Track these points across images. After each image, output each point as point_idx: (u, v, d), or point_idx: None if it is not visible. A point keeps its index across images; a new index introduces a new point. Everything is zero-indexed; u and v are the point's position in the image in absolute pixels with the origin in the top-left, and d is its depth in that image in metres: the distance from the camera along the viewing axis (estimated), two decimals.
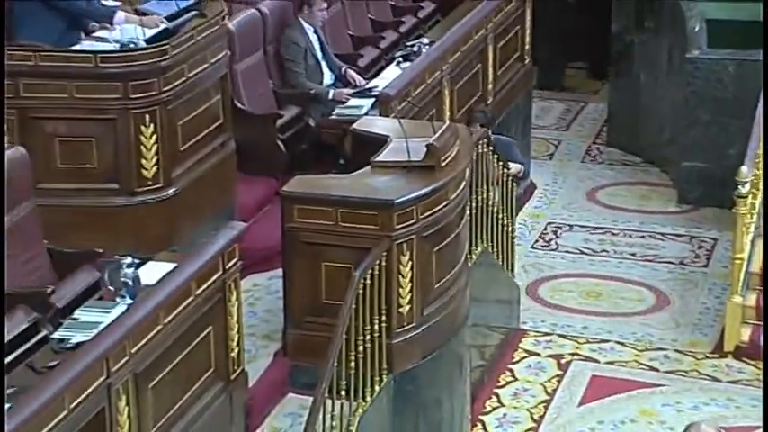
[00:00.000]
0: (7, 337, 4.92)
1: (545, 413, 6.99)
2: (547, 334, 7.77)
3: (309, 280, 5.79)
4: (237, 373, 5.55)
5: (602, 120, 10.80)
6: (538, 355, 7.55)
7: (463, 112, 8.13)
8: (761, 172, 7.64)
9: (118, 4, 7.00)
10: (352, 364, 5.48)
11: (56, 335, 4.98)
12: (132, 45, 6.26)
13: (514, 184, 7.52)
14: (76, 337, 4.86)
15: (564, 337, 7.74)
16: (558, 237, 8.96)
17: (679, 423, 6.53)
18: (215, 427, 5.36)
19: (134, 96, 6.17)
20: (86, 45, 6.38)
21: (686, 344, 7.59)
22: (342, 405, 5.45)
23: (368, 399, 5.63)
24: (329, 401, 5.28)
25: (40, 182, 5.87)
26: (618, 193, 9.62)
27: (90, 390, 4.43)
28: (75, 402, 4.34)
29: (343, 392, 5.43)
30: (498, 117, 8.73)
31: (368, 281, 5.54)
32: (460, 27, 8.19)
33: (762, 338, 7.26)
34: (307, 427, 5.13)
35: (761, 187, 7.67)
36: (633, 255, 8.68)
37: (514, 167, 7.51)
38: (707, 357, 7.43)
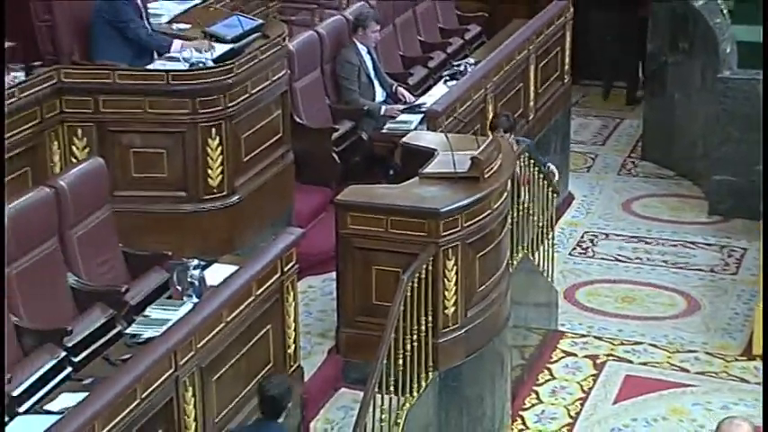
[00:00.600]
0: (85, 332, 5.01)
1: (581, 410, 6.96)
2: (583, 336, 7.73)
3: (361, 282, 5.81)
4: (294, 368, 5.58)
5: (637, 135, 10.72)
6: (575, 355, 7.52)
7: None
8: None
9: (188, 26, 7.08)
10: (401, 361, 5.49)
11: (129, 330, 5.06)
12: (200, 64, 6.30)
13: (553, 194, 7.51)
14: (147, 333, 4.92)
15: (599, 338, 7.69)
16: (594, 245, 8.91)
17: (708, 422, 6.49)
18: None
19: (202, 111, 6.22)
20: (159, 64, 6.42)
21: (716, 347, 7.51)
22: (390, 399, 5.46)
23: (415, 394, 5.63)
24: (379, 396, 5.29)
25: (116, 190, 5.96)
26: (652, 205, 9.54)
27: (159, 381, 4.49)
28: (146, 393, 4.40)
29: (391, 388, 5.45)
30: (539, 132, 8.73)
31: (415, 284, 5.55)
32: (504, 48, 8.17)
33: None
34: (358, 420, 5.14)
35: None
36: (666, 262, 8.61)
37: (553, 167, 7.43)
38: (736, 360, 7.36)
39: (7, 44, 7.42)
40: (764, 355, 7.12)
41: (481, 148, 6.02)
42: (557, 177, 7.27)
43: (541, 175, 7.32)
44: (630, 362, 7.43)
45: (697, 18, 9.51)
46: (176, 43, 6.45)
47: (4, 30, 5.88)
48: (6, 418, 4.44)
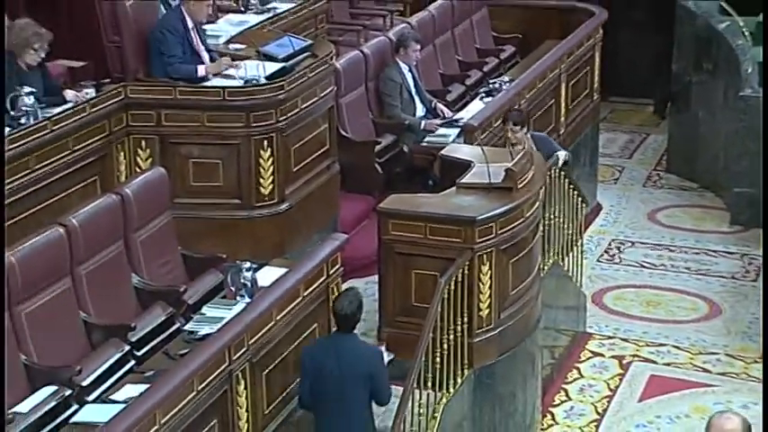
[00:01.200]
0: (147, 329, 5.07)
1: (608, 407, 6.92)
2: (610, 337, 7.69)
3: (401, 285, 5.80)
4: None
5: (662, 149, 10.67)
6: (602, 355, 7.48)
7: None
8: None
9: (243, 46, 7.13)
10: (438, 359, 5.49)
11: (187, 327, 5.10)
12: (254, 81, 6.34)
13: (579, 198, 7.41)
14: (204, 330, 4.95)
15: (625, 340, 7.65)
16: (621, 252, 8.86)
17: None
18: None
19: (255, 125, 6.25)
20: (216, 81, 6.45)
21: (736, 349, 7.45)
22: (428, 395, 5.45)
23: (451, 390, 5.63)
24: (417, 391, 5.29)
25: (176, 197, 6.00)
26: (676, 215, 9.49)
27: (214, 375, 4.53)
28: (203, 385, 4.45)
29: (429, 384, 5.44)
30: (569, 146, 8.69)
31: (452, 287, 5.54)
32: (537, 67, 8.18)
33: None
34: (398, 413, 5.13)
35: None
36: (688, 269, 8.55)
37: (562, 154, 7.13)
38: (755, 362, 7.27)
39: (80, 63, 7.55)
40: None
41: (515, 161, 6.02)
42: (561, 161, 6.96)
43: (572, 186, 7.31)
44: (655, 362, 7.38)
45: (720, 40, 9.47)
46: (201, 69, 6.48)
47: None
48: (76, 406, 4.51)
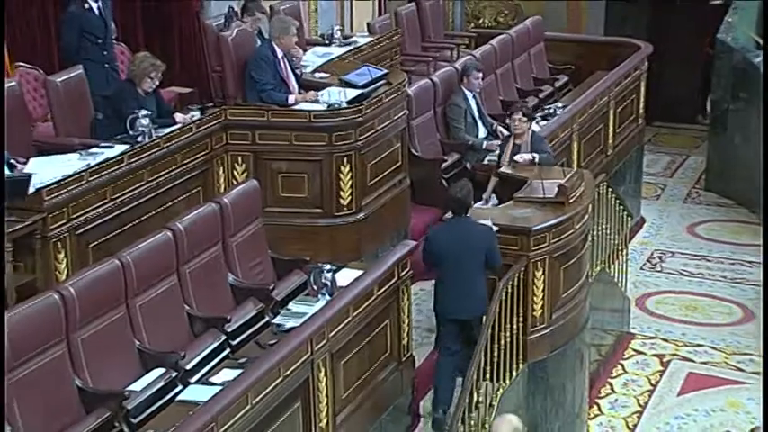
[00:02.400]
0: (241, 321, 5.11)
1: (649, 400, 6.84)
2: (652, 338, 7.59)
3: None
4: (407, 356, 5.60)
5: (701, 169, 10.50)
6: (644, 353, 7.38)
7: (588, 160, 8.04)
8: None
9: (327, 75, 7.19)
10: (496, 353, 5.46)
11: (275, 321, 5.13)
12: (336, 106, 6.37)
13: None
14: (289, 323, 4.98)
15: (666, 340, 7.55)
16: (662, 261, 8.74)
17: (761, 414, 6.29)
18: (389, 397, 5.43)
19: (336, 144, 6.27)
20: (303, 105, 6.49)
21: None
22: (486, 385, 5.44)
23: (507, 381, 5.60)
24: (477, 382, 5.28)
25: (267, 206, 6.03)
26: (713, 228, 9.32)
27: (298, 363, 4.56)
28: (288, 372, 4.48)
29: (488, 375, 5.42)
30: (616, 165, 8.60)
31: (509, 290, 5.52)
32: (588, 95, 8.10)
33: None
34: (459, 401, 5.13)
35: None
36: (725, 277, 8.41)
37: (543, 156, 6.54)
38: None
39: (187, 90, 7.71)
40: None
41: (566, 178, 6.01)
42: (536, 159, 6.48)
43: (618, 201, 7.22)
44: (692, 361, 7.27)
45: (755, 72, 9.27)
46: (291, 98, 6.55)
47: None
48: (180, 386, 4.58)
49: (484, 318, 5.39)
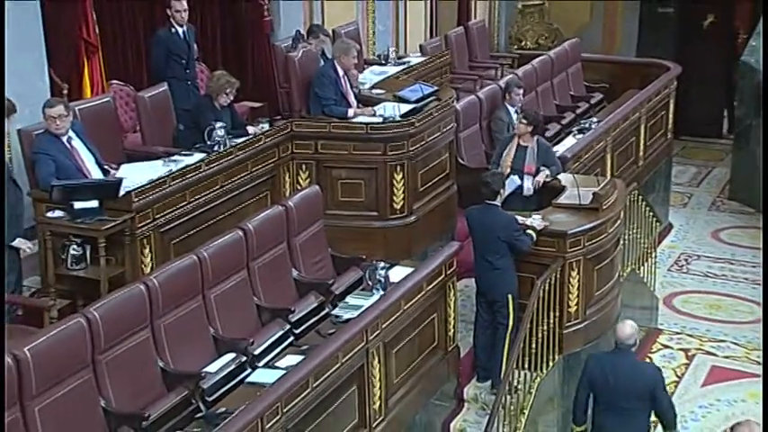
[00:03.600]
0: (303, 312, 5.11)
1: (675, 390, 6.67)
2: (678, 333, 7.44)
3: None
4: (452, 347, 5.57)
5: (725, 180, 10.29)
6: (671, 348, 7.24)
7: (620, 170, 7.90)
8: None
9: (383, 91, 7.18)
10: (534, 345, 5.41)
11: (334, 312, 5.12)
12: (391, 119, 6.36)
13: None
14: (347, 315, 4.97)
15: (691, 336, 7.40)
16: (688, 263, 8.57)
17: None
18: (436, 383, 5.40)
19: (390, 153, 6.26)
20: (361, 119, 6.50)
21: None
22: (525, 374, 5.39)
23: (544, 371, 5.55)
24: (516, 371, 5.23)
25: (327, 209, 6.03)
26: (736, 234, 9.12)
27: (354, 351, 4.55)
28: (346, 358, 4.48)
29: (526, 365, 5.38)
30: (647, 176, 8.46)
31: (546, 287, 5.46)
32: (621, 111, 7.98)
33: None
34: (500, 388, 5.11)
35: None
36: (746, 279, 8.21)
37: (554, 170, 6.26)
38: None
39: (258, 104, 7.77)
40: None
41: (601, 186, 5.94)
42: (549, 177, 6.20)
43: (648, 208, 7.08)
44: (716, 355, 7.13)
45: None
46: (350, 112, 6.54)
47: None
48: (249, 370, 4.60)
49: (509, 299, 5.33)
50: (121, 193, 5.16)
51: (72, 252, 5.03)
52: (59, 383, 3.91)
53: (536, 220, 5.58)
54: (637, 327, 4.76)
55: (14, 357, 3.75)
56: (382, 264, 5.27)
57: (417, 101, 6.75)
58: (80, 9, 6.69)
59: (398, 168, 6.28)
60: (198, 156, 5.75)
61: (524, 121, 6.32)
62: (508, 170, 6.17)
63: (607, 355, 5.03)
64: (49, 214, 5.14)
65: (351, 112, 6.55)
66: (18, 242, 4.97)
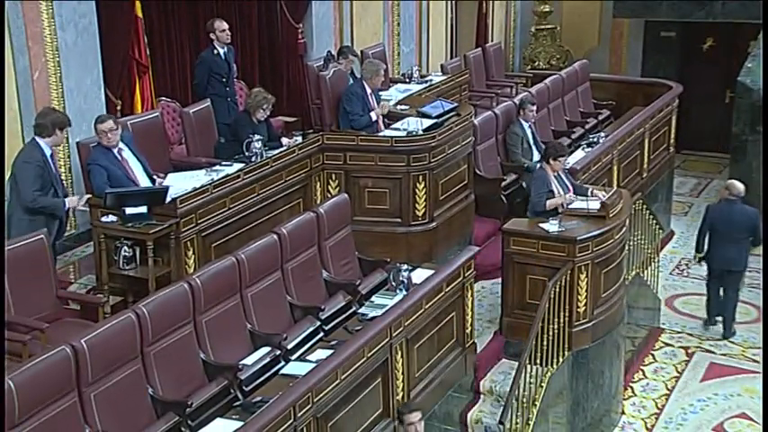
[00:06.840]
0: (332, 310, 5.09)
1: (675, 385, 6.63)
2: (678, 332, 7.36)
3: (518, 286, 5.70)
4: (470, 343, 5.52)
5: None
6: (672, 345, 7.16)
7: (626, 181, 7.82)
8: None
9: (406, 107, 7.16)
10: (545, 342, 5.36)
11: (360, 310, 5.10)
12: (414, 132, 6.34)
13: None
14: (372, 313, 4.95)
15: (690, 335, 7.32)
16: (689, 267, 8.45)
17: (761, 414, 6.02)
18: (454, 376, 5.36)
19: (413, 165, 6.23)
20: (386, 132, 6.50)
21: None
22: (537, 369, 5.34)
23: (554, 366, 5.49)
24: (529, 366, 5.18)
25: (355, 216, 6.00)
26: None
27: (379, 346, 4.53)
28: (371, 353, 4.45)
29: (538, 361, 5.33)
30: (650, 186, 8.36)
31: (557, 289, 5.42)
32: (626, 126, 7.91)
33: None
34: (513, 381, 5.06)
35: None
36: (742, 283, 8.07)
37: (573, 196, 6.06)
38: None
39: (292, 118, 7.79)
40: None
41: (608, 195, 5.89)
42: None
43: (651, 216, 6.99)
44: (714, 353, 7.04)
45: None
46: (373, 114, 6.50)
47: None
48: (283, 362, 4.59)
49: None
50: (168, 199, 5.18)
51: (123, 253, 5.07)
52: (112, 372, 3.94)
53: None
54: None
55: (72, 348, 3.78)
56: (405, 266, 5.24)
57: (438, 116, 6.73)
58: (133, 33, 6.76)
59: (420, 178, 6.25)
60: (237, 166, 5.76)
61: (561, 158, 6.13)
62: (573, 199, 5.97)
63: (722, 204, 6.87)
64: (103, 219, 5.18)
65: (374, 114, 6.59)
66: (69, 201, 5.07)
